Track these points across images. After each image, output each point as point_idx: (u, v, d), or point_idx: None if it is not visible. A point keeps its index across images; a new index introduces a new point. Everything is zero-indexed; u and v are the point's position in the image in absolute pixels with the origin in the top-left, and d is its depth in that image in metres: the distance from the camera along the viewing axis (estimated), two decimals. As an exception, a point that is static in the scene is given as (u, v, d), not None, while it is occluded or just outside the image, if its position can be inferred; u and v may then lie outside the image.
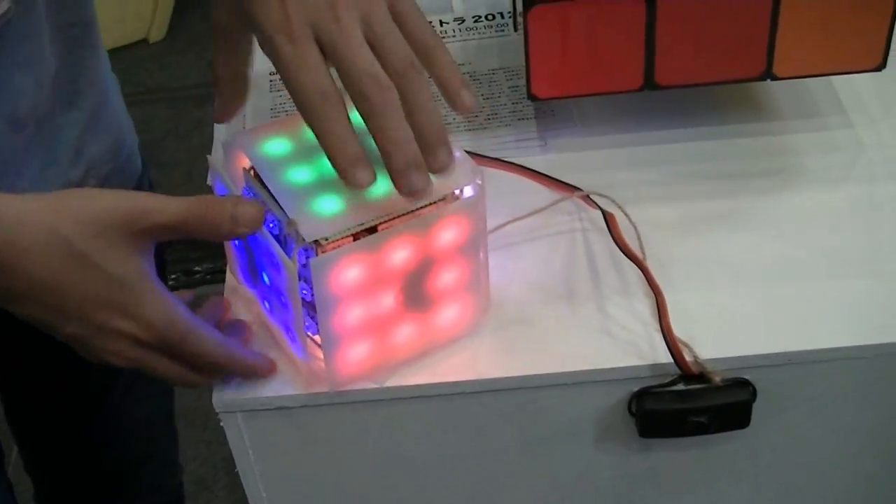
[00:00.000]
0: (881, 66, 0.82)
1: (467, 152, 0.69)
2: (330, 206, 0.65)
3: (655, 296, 0.72)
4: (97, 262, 0.62)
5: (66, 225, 0.61)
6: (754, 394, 0.72)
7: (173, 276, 2.13)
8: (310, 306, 0.67)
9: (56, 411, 1.09)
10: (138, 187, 0.97)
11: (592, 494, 0.78)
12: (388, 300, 0.67)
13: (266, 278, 0.70)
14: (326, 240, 0.64)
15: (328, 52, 0.62)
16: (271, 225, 0.67)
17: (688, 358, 0.70)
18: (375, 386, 0.70)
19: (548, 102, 0.90)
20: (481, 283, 0.71)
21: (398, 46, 0.63)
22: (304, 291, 0.66)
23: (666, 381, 0.71)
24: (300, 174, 0.67)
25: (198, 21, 2.81)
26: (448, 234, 0.67)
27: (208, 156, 0.71)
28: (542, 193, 0.81)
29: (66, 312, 0.62)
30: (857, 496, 0.81)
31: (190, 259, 2.16)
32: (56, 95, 0.82)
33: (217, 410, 0.71)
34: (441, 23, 0.99)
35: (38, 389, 1.07)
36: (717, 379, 0.70)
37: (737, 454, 0.76)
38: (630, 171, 0.84)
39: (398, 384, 0.70)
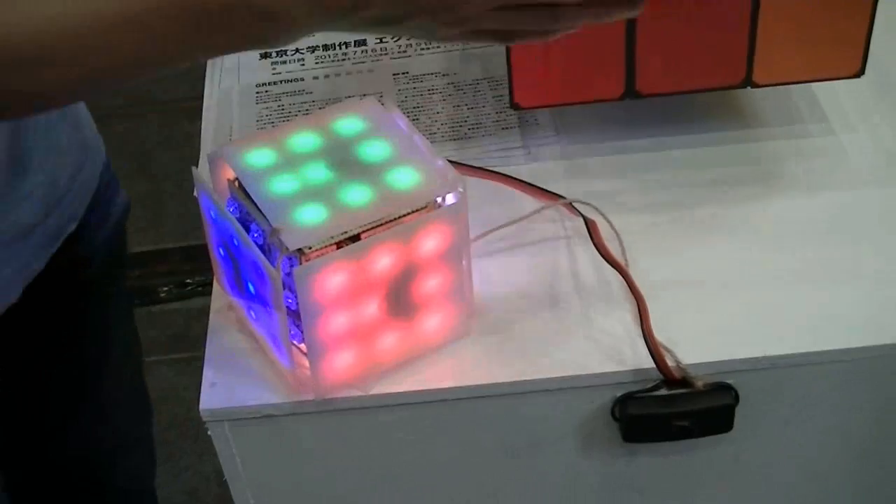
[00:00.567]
0: (860, 73, 0.83)
1: (451, 162, 0.70)
2: (313, 215, 0.66)
3: (637, 302, 0.73)
4: None
5: None
6: (737, 398, 0.73)
7: (165, 289, 2.13)
8: (295, 315, 0.67)
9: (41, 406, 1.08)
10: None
11: (578, 499, 0.79)
12: (373, 308, 0.68)
13: (251, 288, 0.70)
14: (310, 248, 0.65)
15: None
16: (256, 235, 0.68)
17: (670, 363, 0.70)
18: (361, 393, 0.71)
19: (531, 112, 0.91)
20: (465, 291, 0.72)
21: None
22: (288, 300, 0.67)
23: (649, 386, 0.71)
24: (284, 184, 0.68)
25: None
26: (431, 241, 0.68)
27: (193, 168, 0.72)
28: (525, 202, 0.82)
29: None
30: (840, 498, 0.82)
31: (182, 271, 2.17)
32: None
33: (204, 419, 0.71)
34: (426, 34, 1.00)
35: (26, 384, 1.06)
36: (700, 384, 0.71)
37: (720, 458, 0.77)
38: (613, 178, 0.85)
39: (383, 391, 0.71)
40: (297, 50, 1.00)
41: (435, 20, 0.63)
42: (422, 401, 0.72)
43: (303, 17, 0.61)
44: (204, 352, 0.75)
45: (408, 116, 0.72)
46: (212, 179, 0.72)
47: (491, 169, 0.84)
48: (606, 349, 0.72)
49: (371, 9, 0.61)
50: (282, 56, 1.00)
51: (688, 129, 0.88)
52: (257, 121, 0.93)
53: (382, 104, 0.74)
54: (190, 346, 1.96)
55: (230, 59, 1.00)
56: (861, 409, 0.76)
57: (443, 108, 0.92)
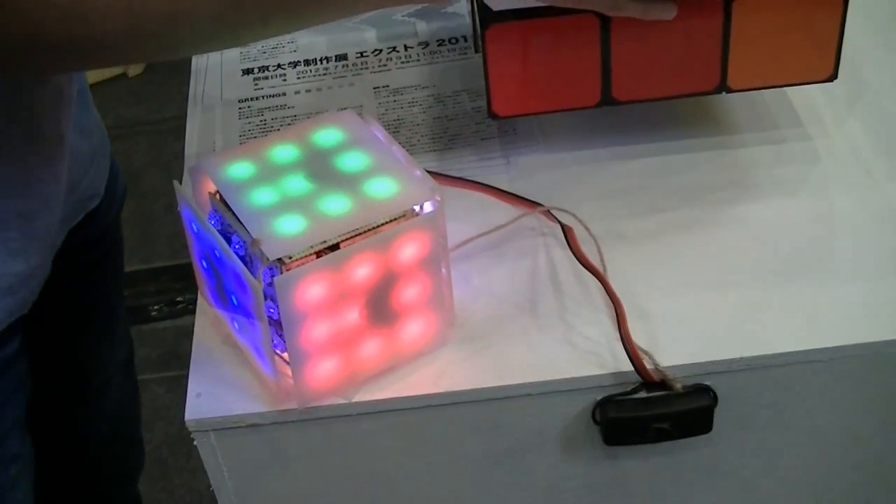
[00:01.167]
0: (833, 77, 0.84)
1: (430, 172, 0.71)
2: (293, 225, 0.67)
3: (615, 305, 0.74)
4: None
5: None
6: (715, 399, 0.73)
7: (156, 307, 2.14)
8: (277, 324, 0.68)
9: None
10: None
11: (561, 502, 0.80)
12: (353, 316, 0.69)
13: (234, 299, 0.71)
14: (290, 258, 0.65)
15: None
16: (237, 246, 0.69)
17: (648, 366, 0.71)
18: (344, 401, 0.71)
19: (510, 122, 0.92)
20: (445, 298, 0.73)
21: None
22: (270, 310, 0.68)
23: (628, 389, 0.72)
24: (263, 196, 0.69)
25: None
26: (409, 249, 0.68)
27: (175, 181, 0.73)
28: (505, 210, 0.83)
29: None
30: (820, 498, 0.83)
31: (173, 290, 2.18)
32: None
33: (190, 429, 0.72)
34: (405, 47, 1.01)
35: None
36: (678, 386, 0.72)
37: (701, 459, 0.78)
38: (591, 185, 0.86)
39: (366, 399, 0.72)
40: (278, 66, 1.01)
41: None
42: (404, 407, 0.72)
43: None
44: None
45: (389, 129, 0.73)
46: (194, 193, 0.73)
47: (469, 179, 0.85)
48: (586, 353, 0.73)
49: None
50: (264, 72, 1.01)
51: (664, 136, 0.89)
52: (240, 136, 0.94)
53: (361, 116, 0.75)
54: (181, 364, 1.95)
55: (213, 76, 1.01)
56: (839, 408, 0.77)
57: (423, 120, 0.93)
